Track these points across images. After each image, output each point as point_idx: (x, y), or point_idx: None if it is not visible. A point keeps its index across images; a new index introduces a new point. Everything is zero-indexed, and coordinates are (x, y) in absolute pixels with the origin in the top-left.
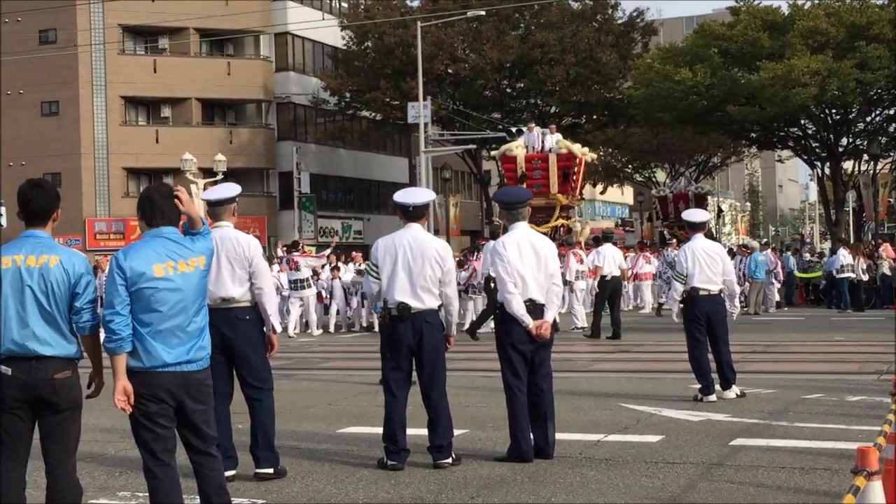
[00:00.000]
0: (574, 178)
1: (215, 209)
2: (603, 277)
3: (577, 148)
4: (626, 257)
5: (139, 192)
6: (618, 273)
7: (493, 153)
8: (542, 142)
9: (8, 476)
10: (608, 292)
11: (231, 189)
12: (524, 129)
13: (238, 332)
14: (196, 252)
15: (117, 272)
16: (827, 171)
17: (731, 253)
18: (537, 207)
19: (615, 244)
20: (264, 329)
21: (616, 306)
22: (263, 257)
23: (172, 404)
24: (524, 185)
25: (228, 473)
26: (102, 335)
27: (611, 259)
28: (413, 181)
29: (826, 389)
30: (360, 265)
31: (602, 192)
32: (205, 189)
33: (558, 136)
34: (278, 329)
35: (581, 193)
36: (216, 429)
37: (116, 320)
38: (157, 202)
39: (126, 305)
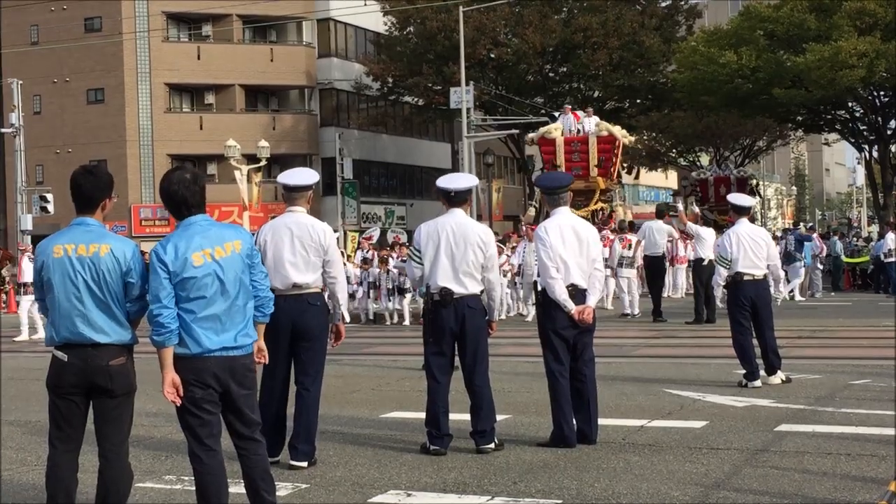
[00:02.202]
0: (613, 161)
1: (292, 194)
2: (700, 261)
3: (617, 130)
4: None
5: None
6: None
7: (530, 135)
8: (581, 124)
9: (63, 459)
10: (706, 276)
11: (311, 176)
12: (560, 112)
13: (308, 317)
14: (232, 237)
15: (159, 265)
16: (875, 154)
17: (775, 237)
18: (577, 191)
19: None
20: (331, 318)
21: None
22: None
23: (218, 389)
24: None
25: (273, 459)
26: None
27: (712, 243)
28: (456, 166)
29: (873, 375)
30: (367, 251)
31: (636, 178)
32: (247, 176)
33: (596, 118)
34: (347, 319)
35: (619, 177)
36: (259, 413)
37: (164, 313)
38: (177, 195)
39: (172, 298)
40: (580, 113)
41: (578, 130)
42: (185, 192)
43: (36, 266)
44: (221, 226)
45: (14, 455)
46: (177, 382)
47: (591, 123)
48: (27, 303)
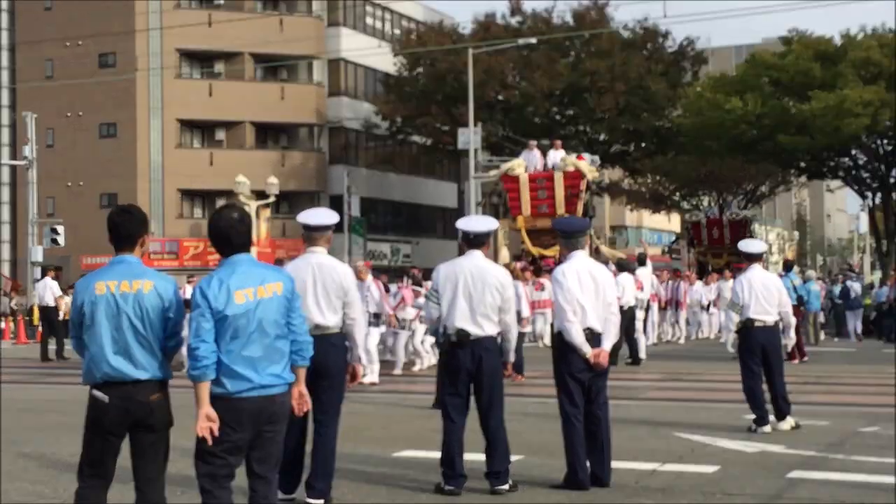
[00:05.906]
0: (580, 197)
1: (312, 234)
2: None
3: (584, 165)
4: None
5: (193, 214)
6: (633, 302)
7: (491, 173)
8: (544, 160)
9: (92, 493)
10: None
11: (331, 216)
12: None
13: (331, 357)
14: (274, 278)
15: (202, 300)
16: (878, 201)
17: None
18: (543, 230)
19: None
20: (348, 358)
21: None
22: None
23: (252, 432)
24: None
25: (289, 497)
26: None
27: (631, 287)
28: (462, 206)
29: (881, 422)
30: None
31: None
32: (256, 212)
33: (562, 152)
34: (363, 360)
35: (586, 214)
36: (281, 453)
37: (202, 348)
38: (229, 234)
39: (211, 333)
40: (586, 155)
41: (543, 167)
42: (232, 232)
43: (76, 304)
44: (264, 266)
45: (30, 488)
46: (212, 417)
47: (556, 157)
48: None
